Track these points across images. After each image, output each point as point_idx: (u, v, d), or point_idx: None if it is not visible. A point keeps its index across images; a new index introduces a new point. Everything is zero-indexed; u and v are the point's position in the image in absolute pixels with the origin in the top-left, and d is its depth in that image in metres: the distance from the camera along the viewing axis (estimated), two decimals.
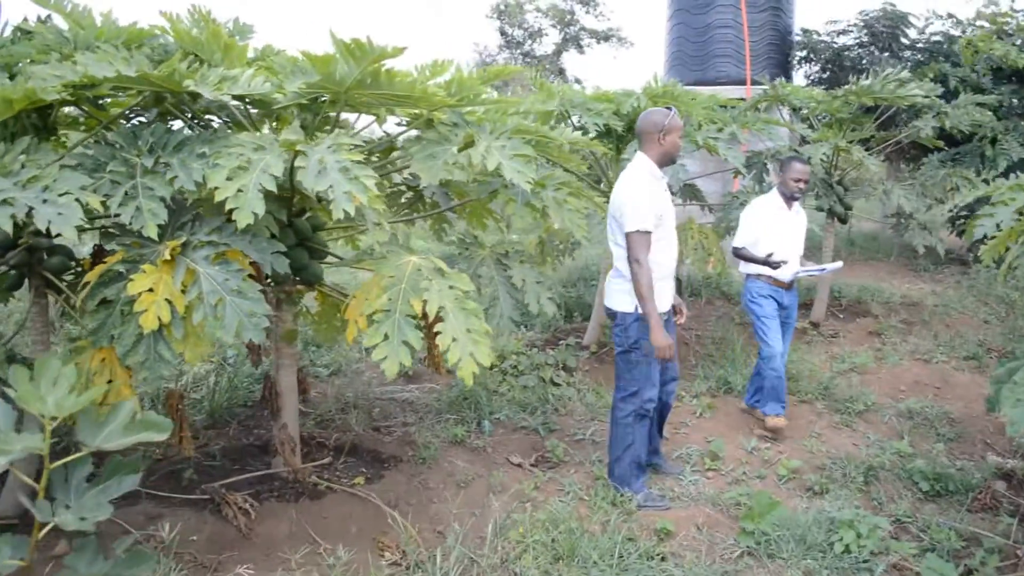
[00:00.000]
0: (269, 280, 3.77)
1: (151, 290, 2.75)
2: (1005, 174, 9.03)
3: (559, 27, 26.03)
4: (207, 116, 3.70)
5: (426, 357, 3.87)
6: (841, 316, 8.01)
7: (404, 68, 3.31)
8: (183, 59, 3.16)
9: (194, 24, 3.45)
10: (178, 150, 2.92)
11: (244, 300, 2.82)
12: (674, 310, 4.28)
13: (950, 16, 10.83)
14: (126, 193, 2.78)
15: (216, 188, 2.70)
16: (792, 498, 4.27)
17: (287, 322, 3.94)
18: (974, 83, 9.37)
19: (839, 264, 5.71)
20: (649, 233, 3.90)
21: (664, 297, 4.09)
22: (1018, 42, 9.41)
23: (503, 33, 26.06)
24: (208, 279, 2.83)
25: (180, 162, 2.86)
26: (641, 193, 3.93)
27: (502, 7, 25.49)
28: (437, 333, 3.14)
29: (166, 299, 2.76)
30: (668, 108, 4.10)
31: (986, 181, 7.88)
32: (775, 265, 5.04)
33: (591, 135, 5.49)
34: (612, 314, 4.15)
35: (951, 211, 10.68)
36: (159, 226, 2.78)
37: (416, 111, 3.72)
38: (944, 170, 7.78)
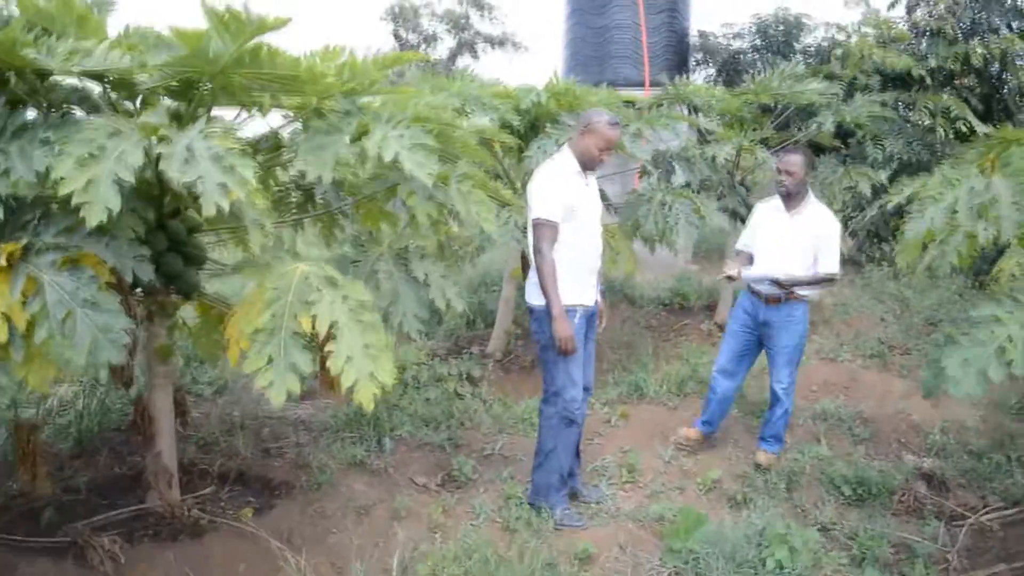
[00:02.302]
0: (139, 290, 3.33)
1: None
2: (893, 176, 9.23)
3: (454, 32, 25.72)
4: (65, 105, 3.22)
5: (319, 375, 3.48)
6: None
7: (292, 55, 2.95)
8: (29, 31, 2.70)
9: None
10: (17, 136, 2.45)
11: (99, 313, 2.38)
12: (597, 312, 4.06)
13: (836, 25, 11.07)
14: None
15: (62, 179, 2.27)
16: (715, 510, 4.06)
17: (160, 337, 3.50)
18: (862, 86, 9.53)
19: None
20: (554, 224, 3.75)
21: (586, 292, 3.92)
22: (900, 48, 9.65)
23: (397, 37, 25.57)
24: (54, 288, 2.37)
25: (19, 150, 2.40)
26: (551, 183, 3.79)
27: (396, 10, 25.01)
28: (330, 352, 2.77)
29: (2, 313, 2.31)
30: (613, 115, 3.87)
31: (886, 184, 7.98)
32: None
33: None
34: (530, 309, 3.97)
35: (840, 210, 10.83)
36: None
37: (304, 99, 3.34)
38: (842, 168, 7.83)
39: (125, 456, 4.29)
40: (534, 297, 3.89)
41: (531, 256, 3.90)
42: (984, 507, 4.04)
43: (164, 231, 3.19)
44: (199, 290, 3.51)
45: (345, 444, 4.54)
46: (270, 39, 2.74)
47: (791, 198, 4.50)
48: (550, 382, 3.94)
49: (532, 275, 3.91)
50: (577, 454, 4.19)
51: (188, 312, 4.03)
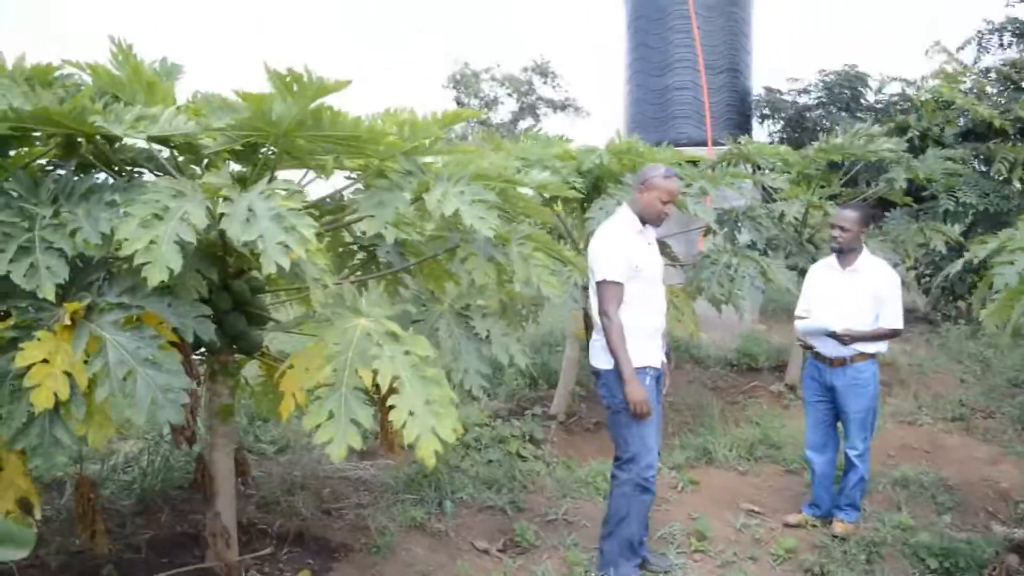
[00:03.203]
0: (202, 349, 3.35)
1: (46, 361, 2.31)
2: (968, 231, 8.92)
3: (516, 96, 26.09)
4: (135, 169, 3.30)
5: (379, 434, 3.43)
6: None
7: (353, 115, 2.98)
8: (99, 98, 2.78)
9: (116, 65, 3.08)
10: (85, 198, 2.51)
11: (159, 372, 2.38)
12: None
13: (903, 79, 10.91)
14: (20, 247, 2.36)
15: (125, 240, 2.29)
16: None
17: (223, 396, 3.50)
18: (935, 137, 9.31)
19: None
20: (619, 284, 3.68)
21: (654, 352, 3.83)
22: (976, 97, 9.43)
23: (459, 103, 26.05)
24: (116, 347, 2.38)
25: (85, 211, 2.44)
26: (613, 243, 3.75)
27: (458, 77, 25.53)
28: (391, 407, 2.72)
29: (64, 372, 2.32)
30: (667, 168, 3.86)
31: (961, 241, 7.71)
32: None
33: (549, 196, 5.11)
34: (596, 372, 3.88)
35: (913, 267, 10.51)
36: (59, 285, 2.36)
37: (366, 160, 3.37)
38: (915, 224, 7.60)
39: (187, 514, 4.29)
40: (601, 360, 3.81)
41: (595, 317, 3.83)
42: None
43: (228, 291, 3.21)
44: (262, 349, 3.52)
45: (406, 506, 4.47)
46: (334, 104, 2.78)
47: (845, 254, 4.42)
48: (623, 448, 3.82)
49: (597, 337, 3.83)
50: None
51: (251, 371, 4.06)
